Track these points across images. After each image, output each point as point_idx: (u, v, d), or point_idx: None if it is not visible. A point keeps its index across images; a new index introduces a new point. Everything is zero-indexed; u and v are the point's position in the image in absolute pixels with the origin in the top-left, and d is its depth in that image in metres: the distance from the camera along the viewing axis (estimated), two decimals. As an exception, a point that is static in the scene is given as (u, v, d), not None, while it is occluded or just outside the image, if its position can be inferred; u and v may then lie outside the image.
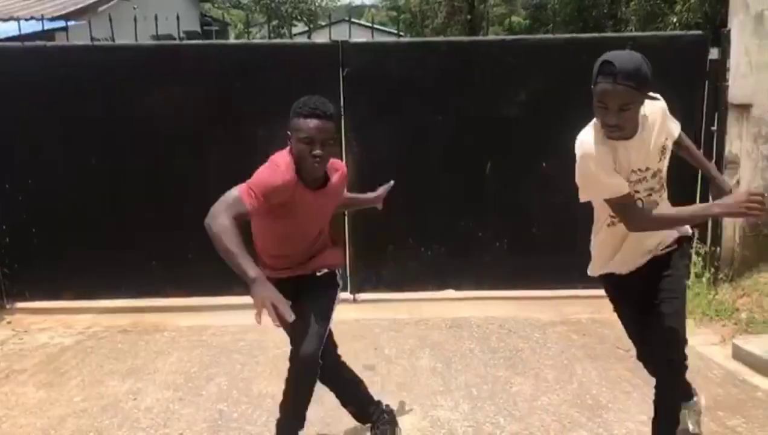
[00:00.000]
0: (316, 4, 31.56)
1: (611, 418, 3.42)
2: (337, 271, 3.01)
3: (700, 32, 5.46)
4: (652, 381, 3.52)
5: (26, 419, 3.53)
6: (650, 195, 2.63)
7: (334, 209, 2.99)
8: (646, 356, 2.87)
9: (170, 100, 5.06)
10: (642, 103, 2.45)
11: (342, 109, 5.17)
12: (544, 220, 5.26)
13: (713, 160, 5.11)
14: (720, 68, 4.95)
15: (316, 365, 2.71)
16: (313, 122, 2.60)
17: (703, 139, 5.14)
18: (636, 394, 3.68)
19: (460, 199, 5.35)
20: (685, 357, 2.72)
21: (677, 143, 2.77)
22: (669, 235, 2.75)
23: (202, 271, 5.27)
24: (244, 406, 3.57)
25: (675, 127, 2.73)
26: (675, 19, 13.14)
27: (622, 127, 2.44)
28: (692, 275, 5.22)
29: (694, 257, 5.24)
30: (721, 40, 4.94)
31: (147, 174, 5.24)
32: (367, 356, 4.30)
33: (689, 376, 3.52)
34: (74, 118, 5.15)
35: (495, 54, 5.20)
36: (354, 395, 3.17)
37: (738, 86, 4.86)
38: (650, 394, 3.58)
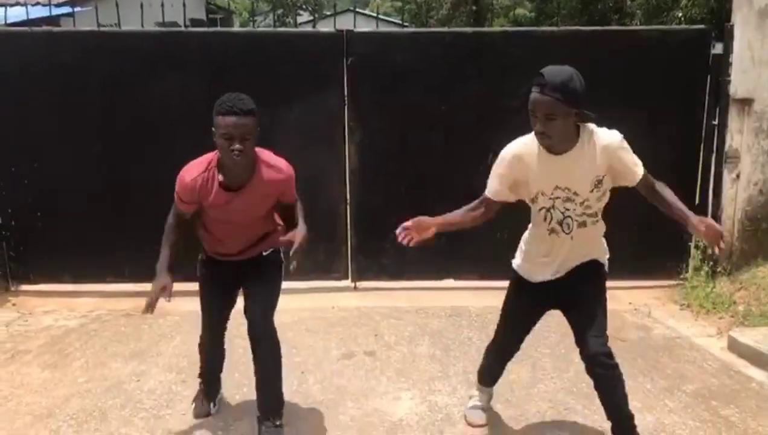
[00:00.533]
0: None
1: (606, 406, 3.47)
2: (280, 249, 3.20)
3: (702, 26, 5.49)
4: (648, 371, 3.63)
5: (31, 398, 3.60)
6: (584, 217, 2.78)
7: (271, 208, 3.09)
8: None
9: (174, 87, 5.10)
10: (570, 117, 2.55)
11: (345, 98, 5.22)
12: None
13: (714, 155, 5.16)
14: (722, 63, 4.97)
15: (275, 334, 3.08)
16: (230, 119, 2.74)
17: (705, 133, 5.17)
18: (631, 382, 3.67)
19: (461, 188, 5.32)
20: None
21: (642, 186, 2.79)
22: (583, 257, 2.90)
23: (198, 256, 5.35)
24: (245, 389, 3.62)
25: (633, 171, 2.71)
26: (680, 14, 13.10)
27: (548, 135, 2.58)
28: (691, 268, 5.28)
29: (693, 250, 5.29)
30: (724, 34, 4.96)
31: (151, 159, 5.27)
32: (368, 342, 4.36)
33: (685, 365, 3.63)
34: (79, 104, 5.19)
35: (499, 46, 5.23)
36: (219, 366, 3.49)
37: (740, 81, 4.89)
38: (645, 382, 3.69)
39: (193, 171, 2.93)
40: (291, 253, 2.89)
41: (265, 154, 2.98)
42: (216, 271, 3.22)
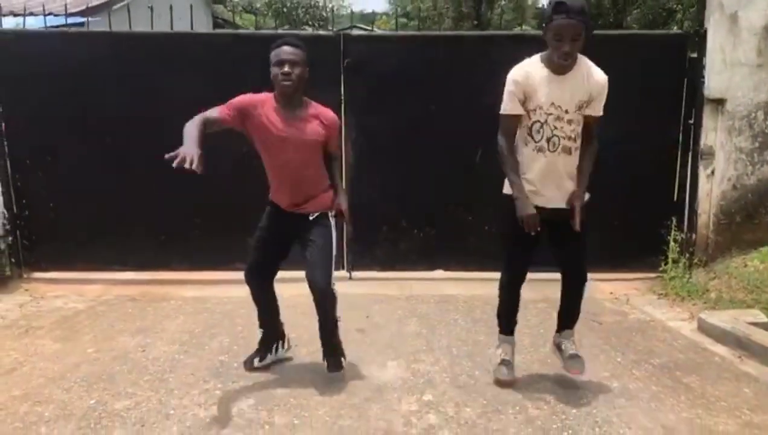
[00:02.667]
0: (328, 10, 31.98)
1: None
2: (329, 212, 3.54)
3: (680, 31, 5.81)
4: (620, 347, 3.94)
5: (44, 364, 3.87)
6: (567, 140, 3.23)
7: (316, 147, 3.43)
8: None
9: (180, 86, 5.40)
10: (585, 38, 3.05)
11: (342, 97, 5.52)
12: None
13: (690, 152, 5.45)
14: (697, 65, 5.27)
15: (331, 292, 3.47)
16: (283, 49, 3.29)
17: (682, 131, 5.46)
18: (603, 356, 4.00)
19: (451, 184, 5.68)
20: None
21: (591, 128, 3.33)
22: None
23: (207, 246, 5.67)
24: (244, 357, 3.88)
25: (598, 110, 3.27)
26: (675, 28, 13.46)
27: (572, 55, 3.08)
28: (669, 261, 5.54)
29: (671, 244, 5.56)
30: (698, 38, 5.26)
31: (157, 154, 5.56)
32: (359, 323, 4.63)
33: (655, 343, 3.90)
34: (91, 100, 5.52)
35: (487, 48, 5.54)
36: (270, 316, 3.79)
37: (713, 82, 5.19)
38: (616, 356, 3.96)
39: (254, 94, 3.37)
40: (345, 225, 3.62)
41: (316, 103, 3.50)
42: (275, 217, 3.54)
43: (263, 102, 3.35)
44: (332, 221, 3.54)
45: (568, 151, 3.26)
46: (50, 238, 5.73)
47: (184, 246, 5.76)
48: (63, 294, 5.34)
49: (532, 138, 3.25)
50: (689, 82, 5.39)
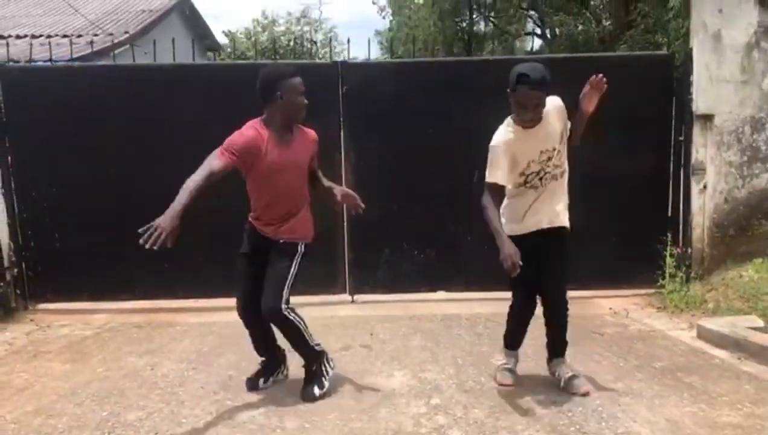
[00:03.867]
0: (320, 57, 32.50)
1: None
2: (299, 243, 3.57)
3: (665, 52, 6.00)
4: (622, 353, 4.12)
5: (55, 383, 3.92)
6: (558, 168, 3.45)
7: (306, 167, 3.58)
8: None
9: (183, 114, 5.55)
10: (545, 102, 3.29)
11: (341, 123, 5.67)
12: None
13: (681, 168, 5.59)
14: (684, 83, 5.45)
15: (280, 313, 3.45)
16: (300, 80, 3.50)
17: (673, 147, 5.61)
18: (605, 362, 4.07)
19: (450, 205, 5.79)
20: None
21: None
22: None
23: (211, 274, 5.72)
24: (252, 372, 3.93)
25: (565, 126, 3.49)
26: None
27: (537, 118, 3.31)
28: (667, 275, 5.63)
29: (668, 258, 5.65)
30: (684, 57, 5.45)
31: (160, 184, 5.63)
32: (363, 339, 4.69)
33: (656, 349, 4.15)
34: (95, 131, 5.64)
35: (480, 72, 5.73)
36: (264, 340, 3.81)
37: (701, 99, 5.36)
38: (618, 362, 4.02)
39: (249, 131, 3.39)
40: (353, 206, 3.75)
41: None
42: (254, 238, 3.62)
43: (261, 137, 3.39)
44: (300, 250, 3.57)
45: (555, 177, 3.49)
46: (55, 268, 5.79)
47: (190, 274, 5.82)
48: (69, 323, 5.39)
49: (526, 186, 3.47)
50: (677, 99, 5.55)
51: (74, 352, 4.58)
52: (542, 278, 3.51)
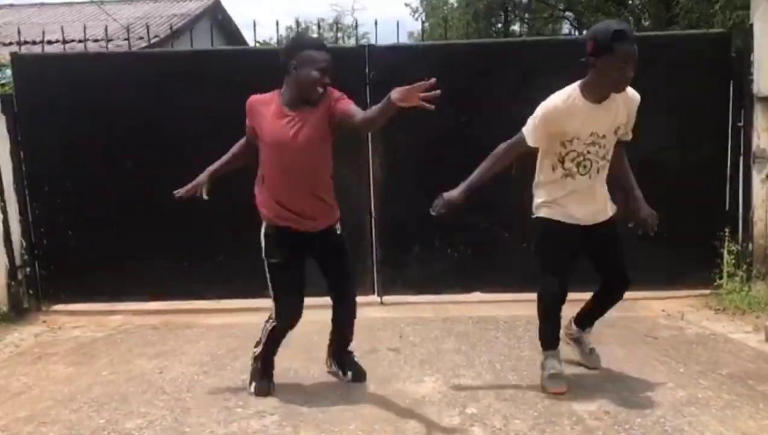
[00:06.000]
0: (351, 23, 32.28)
1: (636, 385, 3.35)
2: (337, 227, 3.36)
3: (722, 30, 5.51)
4: (681, 359, 3.82)
5: (55, 387, 3.61)
6: (601, 160, 3.15)
7: (325, 142, 3.21)
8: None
9: (203, 104, 5.23)
10: None
11: (368, 111, 5.30)
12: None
13: (741, 156, 5.10)
14: (744, 62, 4.96)
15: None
16: (321, 54, 3.08)
17: (731, 134, 5.12)
18: (663, 367, 3.61)
19: (485, 199, 5.33)
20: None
21: (618, 153, 3.26)
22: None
23: (233, 273, 5.38)
24: (254, 386, 3.56)
25: (629, 132, 3.24)
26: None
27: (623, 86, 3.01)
28: (725, 274, 5.14)
29: (726, 256, 5.16)
30: (744, 33, 4.97)
31: (179, 177, 5.35)
32: (392, 342, 4.30)
33: (719, 354, 3.86)
34: (110, 125, 5.34)
35: (518, 55, 5.31)
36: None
37: (763, 79, 4.86)
38: (678, 367, 3.57)
39: (260, 94, 3.24)
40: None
41: None
42: (286, 241, 3.20)
43: (266, 102, 3.20)
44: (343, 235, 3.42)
45: (601, 171, 3.21)
46: (70, 268, 5.50)
47: (210, 274, 5.48)
48: (82, 325, 5.08)
49: (563, 165, 3.17)
50: (736, 81, 5.07)
51: (81, 354, 4.27)
52: (604, 250, 3.33)
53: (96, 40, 10.34)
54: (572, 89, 3.09)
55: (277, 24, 5.28)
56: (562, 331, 3.49)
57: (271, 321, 3.28)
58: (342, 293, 3.36)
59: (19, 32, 5.57)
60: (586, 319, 3.57)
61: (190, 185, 3.41)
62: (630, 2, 19.90)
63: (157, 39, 12.72)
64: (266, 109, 3.15)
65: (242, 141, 3.41)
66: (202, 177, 3.42)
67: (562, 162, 3.15)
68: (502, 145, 3.28)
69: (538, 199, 3.31)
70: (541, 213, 3.28)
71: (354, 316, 3.44)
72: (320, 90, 3.07)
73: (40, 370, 3.93)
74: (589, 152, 3.11)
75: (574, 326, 3.60)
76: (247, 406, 3.22)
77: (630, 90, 3.09)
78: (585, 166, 3.12)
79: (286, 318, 3.21)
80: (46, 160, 5.40)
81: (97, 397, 3.40)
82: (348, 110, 3.10)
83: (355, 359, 3.59)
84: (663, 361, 3.73)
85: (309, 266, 3.29)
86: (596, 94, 3.03)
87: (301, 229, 3.18)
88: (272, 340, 3.32)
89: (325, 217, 3.26)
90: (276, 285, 3.21)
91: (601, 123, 3.07)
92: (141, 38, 11.37)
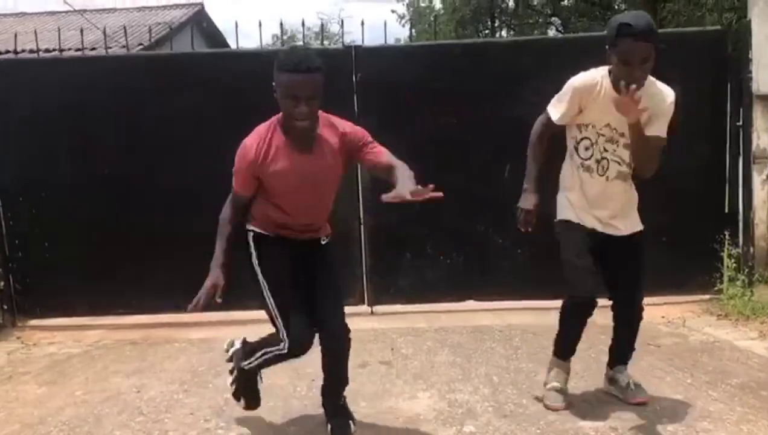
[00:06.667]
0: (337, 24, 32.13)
1: (644, 398, 3.16)
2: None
3: (718, 27, 5.36)
4: (687, 368, 3.61)
5: (24, 410, 3.37)
6: (622, 164, 2.88)
7: (338, 175, 2.74)
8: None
9: (186, 108, 5.02)
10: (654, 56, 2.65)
11: (356, 114, 5.10)
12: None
13: (741, 156, 4.95)
14: (741, 60, 4.82)
15: (349, 336, 2.77)
16: (298, 78, 2.42)
17: (729, 134, 4.97)
18: (669, 378, 3.43)
19: (478, 204, 5.19)
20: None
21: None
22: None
23: (216, 285, 5.15)
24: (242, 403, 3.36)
25: (659, 130, 2.81)
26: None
27: (643, 80, 2.64)
28: (726, 279, 4.98)
29: (726, 260, 4.99)
30: (741, 31, 4.83)
31: (160, 186, 5.15)
32: (384, 355, 4.10)
33: (727, 363, 3.64)
34: (86, 133, 5.13)
35: (509, 55, 5.15)
36: None
37: (761, 77, 4.73)
38: (685, 378, 3.39)
39: (253, 139, 2.60)
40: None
41: (326, 115, 2.69)
42: (282, 248, 2.73)
43: (264, 144, 2.58)
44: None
45: (622, 177, 2.92)
46: (46, 281, 5.25)
47: (192, 285, 5.23)
48: (58, 341, 4.84)
49: (578, 154, 2.93)
50: (734, 79, 4.92)
51: (55, 372, 4.03)
52: (618, 268, 3.01)
53: (78, 49, 10.16)
54: (603, 71, 2.82)
55: (260, 25, 4.96)
56: (604, 380, 3.27)
57: (281, 345, 2.67)
58: (328, 324, 2.73)
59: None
60: (612, 356, 3.23)
61: (203, 294, 2.65)
62: (616, 6, 19.89)
63: (140, 47, 12.56)
64: (272, 152, 2.59)
65: (232, 214, 2.74)
66: (217, 276, 2.67)
67: (577, 150, 2.93)
68: (533, 129, 3.03)
69: (558, 202, 3.08)
70: (562, 215, 3.04)
71: (340, 354, 2.82)
72: (301, 123, 2.50)
73: (10, 391, 3.69)
74: (606, 150, 2.86)
75: (608, 370, 3.27)
76: (228, 428, 3.01)
77: (661, 86, 2.81)
78: (603, 167, 2.88)
79: (303, 342, 2.66)
80: (20, 169, 5.16)
81: (69, 420, 3.17)
82: (380, 163, 2.74)
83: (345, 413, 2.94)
84: (668, 371, 3.55)
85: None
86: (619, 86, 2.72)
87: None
88: (273, 362, 2.82)
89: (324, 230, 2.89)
90: (278, 301, 2.67)
91: (620, 116, 2.72)
92: (123, 47, 11.24)
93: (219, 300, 2.63)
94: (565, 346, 3.15)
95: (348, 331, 2.76)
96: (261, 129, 2.63)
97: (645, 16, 2.66)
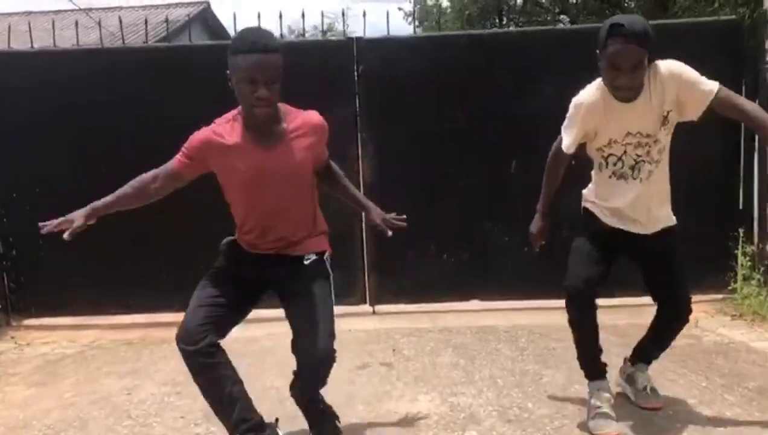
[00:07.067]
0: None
1: (655, 401, 3.01)
2: (325, 257, 2.59)
3: (733, 17, 5.18)
4: (701, 371, 3.44)
5: (9, 412, 3.26)
6: (653, 166, 2.70)
7: (308, 172, 2.51)
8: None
9: (180, 104, 4.89)
10: (647, 63, 2.48)
11: (357, 109, 4.97)
12: (575, 221, 4.91)
13: (755, 151, 4.79)
14: (758, 51, 4.65)
15: (334, 357, 2.41)
16: (254, 57, 2.20)
17: (743, 129, 4.80)
18: (682, 381, 3.27)
19: (483, 201, 5.04)
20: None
21: (722, 105, 2.66)
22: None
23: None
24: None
25: (702, 89, 2.59)
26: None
27: (634, 86, 2.50)
28: (740, 278, 4.81)
29: (740, 258, 4.82)
30: (757, 21, 4.66)
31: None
32: (385, 356, 3.96)
33: (743, 365, 3.47)
34: (82, 127, 5.01)
35: (517, 46, 4.99)
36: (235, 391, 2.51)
37: (780, 68, 4.56)
38: (699, 381, 3.23)
39: (211, 126, 2.46)
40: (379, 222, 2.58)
41: (290, 107, 2.48)
42: (242, 258, 2.55)
43: (224, 135, 2.41)
44: (329, 266, 2.60)
45: (657, 175, 2.75)
46: (41, 280, 5.14)
47: (190, 285, 5.11)
48: (52, 340, 4.72)
49: (607, 166, 2.76)
50: (749, 71, 4.75)
51: (46, 374, 3.91)
52: (655, 270, 2.85)
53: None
54: (598, 83, 2.64)
55: (259, 16, 4.82)
56: (617, 375, 3.10)
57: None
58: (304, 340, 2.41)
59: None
60: (640, 352, 3.05)
61: (58, 220, 2.61)
62: (626, 5, 19.67)
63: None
64: (227, 143, 2.41)
65: (150, 178, 2.59)
66: (79, 215, 2.65)
67: (606, 164, 2.75)
68: (551, 151, 2.89)
69: (585, 191, 2.96)
70: (586, 205, 2.92)
71: (319, 375, 2.50)
72: (261, 110, 2.29)
73: (-3, 393, 3.58)
74: (639, 156, 2.67)
75: (627, 365, 3.12)
76: (219, 433, 2.86)
77: (664, 64, 2.57)
78: (638, 170, 2.69)
79: (186, 335, 2.47)
80: (15, 163, 5.05)
81: (54, 424, 3.05)
82: (325, 161, 2.62)
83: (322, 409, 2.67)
84: (682, 373, 3.39)
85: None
86: (615, 94, 2.58)
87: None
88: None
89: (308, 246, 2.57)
90: (192, 302, 2.52)
91: (637, 122, 2.60)
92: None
93: (66, 237, 2.56)
94: (588, 359, 2.88)
95: (332, 355, 2.40)
96: (221, 118, 2.47)
97: (641, 20, 2.47)
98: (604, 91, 2.60)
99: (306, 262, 2.49)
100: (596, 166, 2.84)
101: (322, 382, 2.50)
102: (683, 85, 2.56)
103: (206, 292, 2.49)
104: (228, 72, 2.29)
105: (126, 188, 2.61)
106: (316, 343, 2.34)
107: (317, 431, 2.62)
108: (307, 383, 2.52)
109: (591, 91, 2.66)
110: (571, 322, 2.82)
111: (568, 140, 2.73)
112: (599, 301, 2.79)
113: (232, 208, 2.55)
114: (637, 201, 2.73)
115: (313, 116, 2.49)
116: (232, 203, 2.53)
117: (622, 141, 2.66)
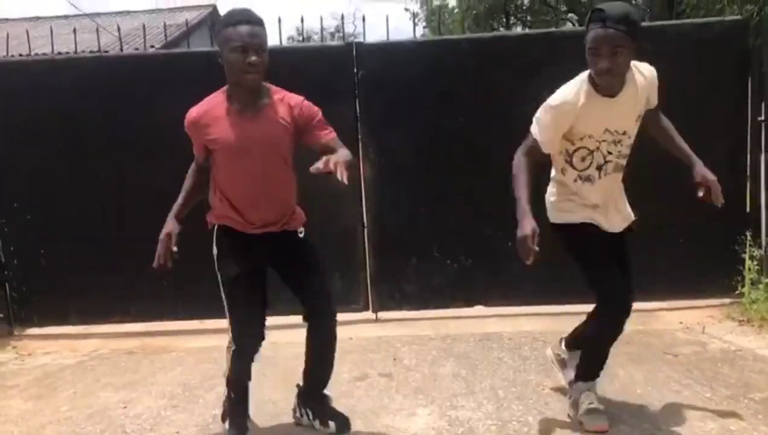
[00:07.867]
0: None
1: (658, 414, 2.95)
2: (300, 230, 2.84)
3: (738, 17, 5.10)
4: (706, 381, 3.36)
5: (4, 428, 3.23)
6: (621, 158, 2.74)
7: (285, 147, 2.68)
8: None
9: (180, 109, 4.85)
10: (632, 51, 2.50)
11: (357, 114, 4.92)
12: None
13: (762, 152, 4.70)
14: (763, 51, 4.57)
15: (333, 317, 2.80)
16: (244, 28, 2.47)
17: (750, 129, 4.72)
18: (687, 392, 3.21)
19: (486, 206, 4.97)
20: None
21: (652, 119, 2.83)
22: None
23: (215, 292, 4.97)
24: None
25: (654, 101, 2.77)
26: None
27: (614, 71, 2.49)
28: (747, 282, 4.73)
29: (748, 262, 4.74)
30: (763, 21, 4.58)
31: (157, 191, 4.97)
32: (385, 365, 3.91)
33: (750, 375, 3.39)
34: (82, 135, 4.98)
35: (518, 50, 4.93)
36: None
37: (785, 69, 4.47)
38: (704, 392, 3.17)
39: (197, 105, 2.71)
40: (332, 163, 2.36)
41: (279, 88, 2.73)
42: (243, 245, 2.71)
43: (211, 109, 2.65)
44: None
45: (619, 168, 2.79)
46: (43, 289, 5.12)
47: (193, 290, 5.08)
48: (54, 350, 4.71)
49: (573, 166, 2.73)
50: (755, 72, 4.67)
51: (44, 386, 3.89)
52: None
53: (92, 52, 10.12)
54: (581, 78, 2.64)
55: (280, 21, 4.79)
56: (549, 351, 3.22)
57: (231, 345, 2.79)
58: (316, 314, 2.79)
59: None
60: (579, 340, 3.01)
61: (160, 247, 2.78)
62: (633, 2, 19.54)
63: (152, 49, 12.50)
64: (212, 117, 2.63)
65: (193, 170, 2.88)
66: (171, 225, 2.83)
67: (571, 163, 2.73)
68: (517, 156, 2.78)
69: (550, 198, 2.91)
70: (556, 218, 2.86)
71: (333, 349, 2.84)
72: (252, 76, 2.51)
73: (-7, 407, 3.56)
74: (610, 153, 2.69)
75: (562, 347, 3.15)
76: (212, 450, 2.84)
77: (643, 66, 2.67)
78: (605, 170, 2.72)
79: (246, 338, 2.75)
80: (15, 171, 5.02)
81: (48, 439, 3.03)
82: (327, 144, 2.65)
83: (333, 404, 2.96)
84: (686, 383, 3.32)
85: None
86: (599, 86, 2.58)
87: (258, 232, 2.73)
88: (237, 368, 2.83)
89: (288, 222, 2.80)
90: (231, 302, 2.75)
91: (617, 118, 2.64)
92: (137, 49, 11.23)
93: (175, 248, 2.74)
94: (599, 363, 2.89)
95: (334, 312, 2.78)
96: (207, 97, 2.70)
97: (624, 5, 2.49)
98: (587, 85, 2.60)
99: (300, 235, 2.80)
100: (557, 169, 2.83)
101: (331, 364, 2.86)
102: (653, 88, 2.71)
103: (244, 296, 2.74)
104: (218, 50, 2.57)
105: (186, 184, 2.90)
106: (330, 305, 2.77)
107: (337, 421, 2.87)
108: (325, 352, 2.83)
109: (571, 88, 2.64)
110: (597, 338, 2.84)
111: (546, 138, 2.68)
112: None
113: (223, 187, 2.71)
114: (605, 198, 2.77)
115: (294, 97, 2.69)
116: (222, 180, 2.71)
117: (598, 137, 2.66)
